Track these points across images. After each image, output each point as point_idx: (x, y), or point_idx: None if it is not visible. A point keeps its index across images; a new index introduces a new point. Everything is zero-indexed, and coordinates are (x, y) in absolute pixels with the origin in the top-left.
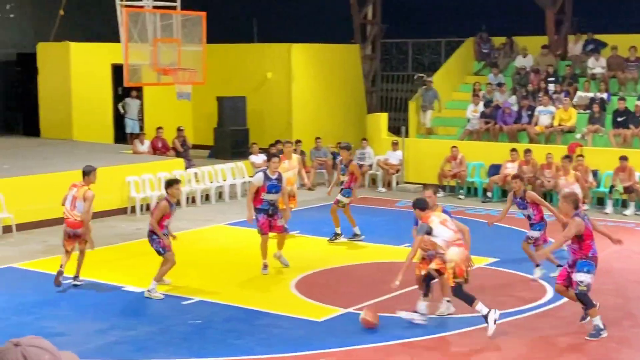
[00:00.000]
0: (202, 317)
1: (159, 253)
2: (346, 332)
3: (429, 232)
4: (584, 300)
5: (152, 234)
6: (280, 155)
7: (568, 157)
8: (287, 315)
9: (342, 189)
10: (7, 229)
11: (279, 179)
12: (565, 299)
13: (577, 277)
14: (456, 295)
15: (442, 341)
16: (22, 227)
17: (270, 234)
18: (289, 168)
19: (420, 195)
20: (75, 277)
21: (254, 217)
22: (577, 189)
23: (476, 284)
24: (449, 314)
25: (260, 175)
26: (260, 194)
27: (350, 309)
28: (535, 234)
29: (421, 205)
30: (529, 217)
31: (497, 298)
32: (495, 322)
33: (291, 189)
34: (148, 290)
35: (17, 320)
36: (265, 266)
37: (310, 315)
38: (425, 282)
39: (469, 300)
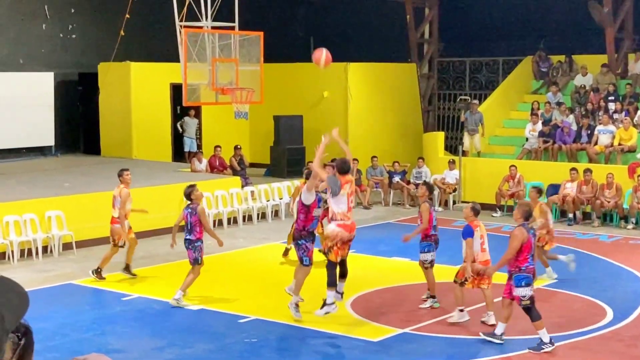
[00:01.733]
0: (258, 335)
1: (196, 262)
2: (402, 352)
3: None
4: (530, 313)
5: (198, 241)
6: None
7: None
8: (342, 334)
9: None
10: (68, 246)
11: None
12: (625, 322)
13: (518, 292)
14: None
15: None
16: (81, 244)
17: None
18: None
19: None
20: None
21: (299, 243)
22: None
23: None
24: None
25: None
26: (311, 211)
27: (407, 329)
28: None
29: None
30: None
31: (554, 319)
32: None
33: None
34: (175, 299)
35: (77, 337)
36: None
37: (366, 335)
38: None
39: None
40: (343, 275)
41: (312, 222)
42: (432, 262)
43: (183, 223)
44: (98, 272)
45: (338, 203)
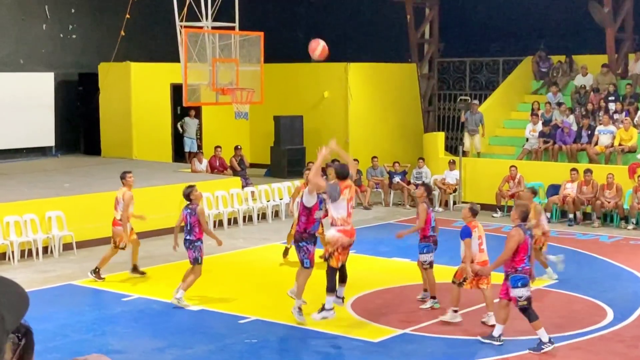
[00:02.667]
0: (258, 336)
1: (196, 261)
2: (402, 353)
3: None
4: (527, 314)
5: (198, 241)
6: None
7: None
8: (343, 335)
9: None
10: (68, 247)
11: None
12: (626, 322)
13: (515, 292)
14: None
15: None
16: (82, 244)
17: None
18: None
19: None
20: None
21: (300, 245)
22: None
23: (534, 305)
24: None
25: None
26: (313, 213)
27: (407, 330)
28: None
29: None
30: None
31: (555, 320)
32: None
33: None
34: (177, 299)
35: (77, 338)
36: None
37: (366, 335)
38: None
39: None
40: (343, 279)
41: (313, 225)
42: (431, 263)
43: (183, 224)
44: (97, 272)
45: (337, 208)
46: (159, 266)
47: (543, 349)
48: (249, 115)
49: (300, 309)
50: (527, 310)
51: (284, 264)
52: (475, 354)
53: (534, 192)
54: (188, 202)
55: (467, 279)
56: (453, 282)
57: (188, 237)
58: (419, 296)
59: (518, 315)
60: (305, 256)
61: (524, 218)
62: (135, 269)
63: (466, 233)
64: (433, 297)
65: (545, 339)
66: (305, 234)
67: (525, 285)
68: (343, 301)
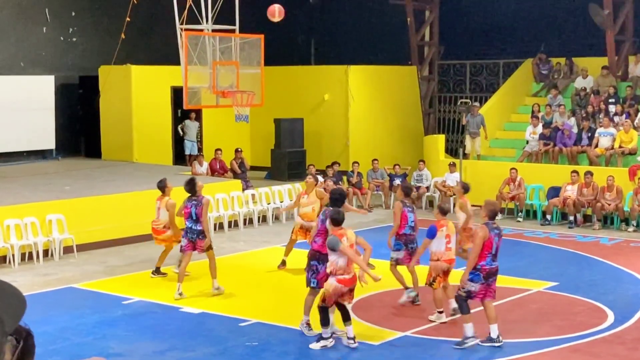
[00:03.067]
0: (259, 339)
1: (209, 248)
2: (404, 356)
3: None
4: (460, 305)
5: (204, 231)
6: (301, 192)
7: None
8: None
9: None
10: (68, 250)
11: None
12: (627, 324)
13: (464, 282)
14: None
15: None
16: (82, 247)
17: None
18: (307, 203)
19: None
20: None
21: (311, 263)
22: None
23: (535, 308)
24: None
25: None
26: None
27: (408, 333)
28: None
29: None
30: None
31: (555, 322)
32: (323, 346)
33: (310, 224)
34: (216, 288)
35: (78, 341)
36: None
37: (368, 338)
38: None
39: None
40: (346, 318)
41: None
42: (397, 260)
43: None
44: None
45: (338, 256)
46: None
47: (466, 343)
48: (249, 118)
49: (307, 324)
50: (461, 301)
51: (289, 267)
52: (480, 357)
53: (464, 188)
54: (190, 195)
55: (436, 280)
56: (428, 284)
57: (196, 228)
58: (407, 296)
59: (520, 318)
60: (313, 276)
61: (492, 216)
62: (157, 271)
63: (431, 232)
64: (407, 288)
65: (469, 334)
66: (318, 254)
67: (473, 281)
68: (355, 340)
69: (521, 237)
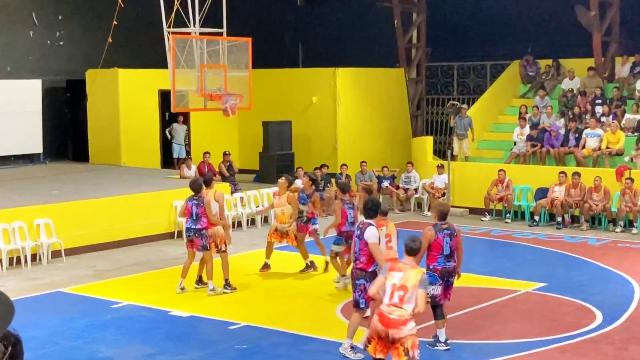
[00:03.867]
0: (249, 342)
1: (204, 248)
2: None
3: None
4: (433, 312)
5: (204, 230)
6: (275, 191)
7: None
8: (334, 340)
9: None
10: (57, 254)
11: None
12: (615, 325)
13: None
14: None
15: None
16: (70, 252)
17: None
18: (278, 204)
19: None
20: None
21: (357, 283)
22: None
23: (524, 309)
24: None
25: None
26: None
27: None
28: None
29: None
30: None
31: (544, 323)
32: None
33: (283, 227)
34: (212, 290)
35: (67, 345)
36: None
37: (357, 340)
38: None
39: None
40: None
41: (374, 263)
42: (337, 254)
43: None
44: (228, 285)
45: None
46: (148, 273)
47: (437, 346)
48: (236, 111)
49: (352, 347)
50: (436, 308)
51: (273, 270)
52: (472, 358)
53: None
54: (193, 194)
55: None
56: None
57: (195, 227)
58: (335, 279)
59: (510, 318)
60: (361, 296)
61: (441, 217)
62: (200, 281)
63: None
64: (343, 275)
65: (442, 339)
66: (364, 273)
67: (432, 284)
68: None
69: (509, 238)
